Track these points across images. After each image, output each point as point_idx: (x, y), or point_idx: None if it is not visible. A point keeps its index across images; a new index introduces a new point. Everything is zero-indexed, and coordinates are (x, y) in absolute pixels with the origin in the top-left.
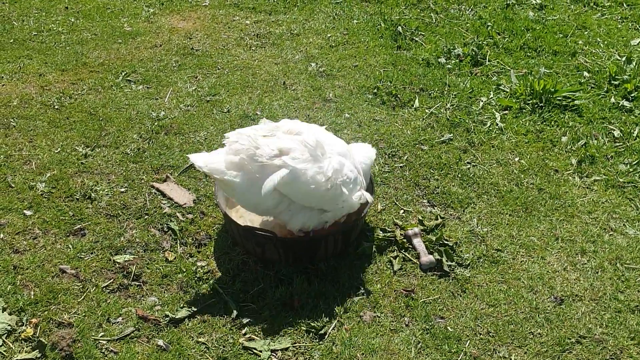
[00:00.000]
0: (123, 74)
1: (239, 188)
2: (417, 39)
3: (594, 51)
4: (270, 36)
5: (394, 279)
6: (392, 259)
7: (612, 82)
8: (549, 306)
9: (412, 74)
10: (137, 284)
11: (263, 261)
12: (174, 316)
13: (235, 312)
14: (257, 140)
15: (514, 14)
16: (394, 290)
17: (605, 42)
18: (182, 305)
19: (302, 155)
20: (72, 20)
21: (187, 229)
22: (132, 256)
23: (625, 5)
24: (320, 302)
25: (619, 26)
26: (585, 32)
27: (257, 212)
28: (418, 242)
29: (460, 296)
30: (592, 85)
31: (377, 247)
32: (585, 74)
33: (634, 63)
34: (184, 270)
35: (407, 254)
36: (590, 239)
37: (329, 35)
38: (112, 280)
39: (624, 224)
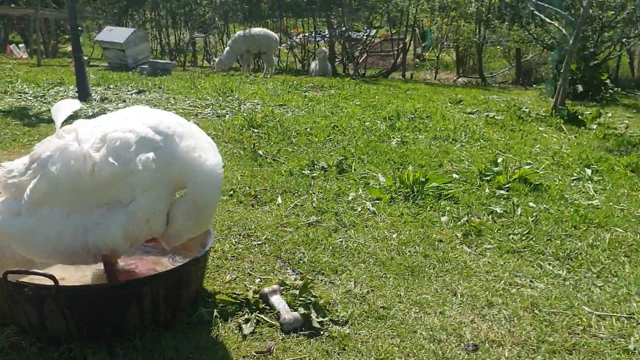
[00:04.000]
0: None
1: (22, 233)
2: (279, 159)
3: (460, 166)
4: None
5: (244, 343)
6: (241, 323)
7: (483, 177)
8: (460, 354)
9: (274, 180)
10: None
11: (45, 339)
12: None
13: None
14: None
15: (376, 145)
16: (243, 357)
17: (470, 160)
18: None
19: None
20: None
21: None
22: None
23: (482, 140)
24: None
25: (480, 152)
26: (450, 155)
27: (63, 258)
28: (277, 300)
29: (339, 354)
30: (464, 182)
31: (220, 312)
32: (455, 175)
33: (500, 166)
34: None
35: (263, 316)
36: (496, 294)
37: None
38: None
39: (530, 281)
